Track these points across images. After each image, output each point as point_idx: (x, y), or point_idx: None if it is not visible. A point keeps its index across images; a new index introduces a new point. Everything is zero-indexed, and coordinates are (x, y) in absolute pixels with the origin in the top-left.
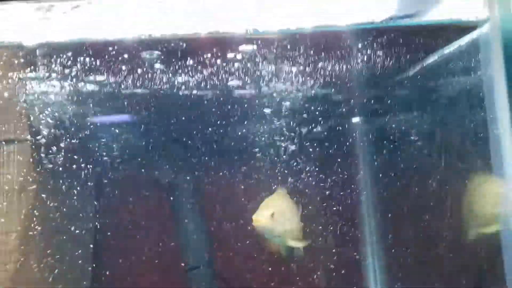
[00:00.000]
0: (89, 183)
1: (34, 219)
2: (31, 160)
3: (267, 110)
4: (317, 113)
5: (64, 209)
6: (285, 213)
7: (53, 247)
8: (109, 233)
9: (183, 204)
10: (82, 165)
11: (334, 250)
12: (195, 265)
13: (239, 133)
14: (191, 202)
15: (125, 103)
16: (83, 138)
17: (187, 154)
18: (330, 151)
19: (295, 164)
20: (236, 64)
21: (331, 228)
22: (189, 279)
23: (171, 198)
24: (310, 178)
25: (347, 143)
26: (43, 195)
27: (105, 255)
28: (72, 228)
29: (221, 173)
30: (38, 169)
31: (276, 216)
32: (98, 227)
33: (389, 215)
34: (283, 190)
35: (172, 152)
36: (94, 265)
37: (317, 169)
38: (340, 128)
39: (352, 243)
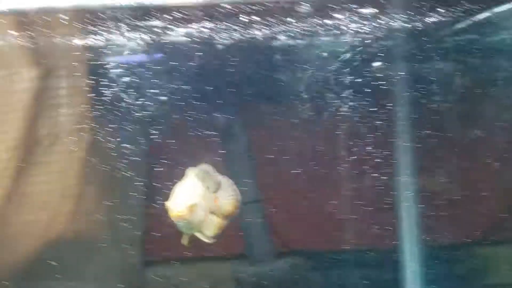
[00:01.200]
0: (144, 124)
1: (91, 160)
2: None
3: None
4: None
5: (118, 151)
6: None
7: (108, 188)
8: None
9: (235, 147)
10: (138, 103)
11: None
12: (249, 200)
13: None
14: (243, 147)
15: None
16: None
17: (241, 101)
18: None
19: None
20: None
21: None
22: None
23: (224, 142)
24: None
25: None
26: (99, 137)
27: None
28: (126, 169)
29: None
30: (93, 110)
31: (195, 207)
32: (151, 168)
33: None
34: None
35: (227, 98)
36: (147, 208)
37: None
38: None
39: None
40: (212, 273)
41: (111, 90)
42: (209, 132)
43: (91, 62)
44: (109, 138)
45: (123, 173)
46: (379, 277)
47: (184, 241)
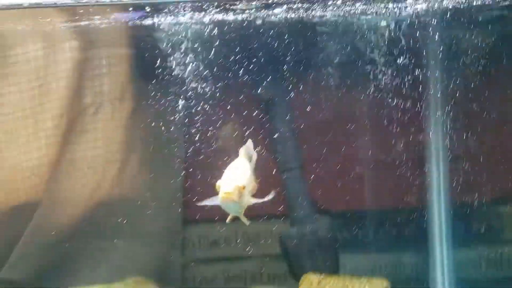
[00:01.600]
0: (186, 95)
1: (133, 126)
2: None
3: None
4: None
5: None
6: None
7: (149, 153)
8: (202, 146)
9: (278, 118)
10: (179, 75)
11: None
12: (288, 167)
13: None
14: (285, 118)
15: None
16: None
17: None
18: None
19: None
20: None
21: None
22: (285, 180)
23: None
24: None
25: None
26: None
27: (197, 165)
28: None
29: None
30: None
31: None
32: (191, 137)
33: None
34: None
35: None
36: (186, 176)
37: None
38: None
39: None
40: (251, 232)
41: (152, 58)
42: (252, 104)
43: (132, 32)
44: (150, 106)
45: (163, 138)
46: (409, 235)
47: (229, 221)
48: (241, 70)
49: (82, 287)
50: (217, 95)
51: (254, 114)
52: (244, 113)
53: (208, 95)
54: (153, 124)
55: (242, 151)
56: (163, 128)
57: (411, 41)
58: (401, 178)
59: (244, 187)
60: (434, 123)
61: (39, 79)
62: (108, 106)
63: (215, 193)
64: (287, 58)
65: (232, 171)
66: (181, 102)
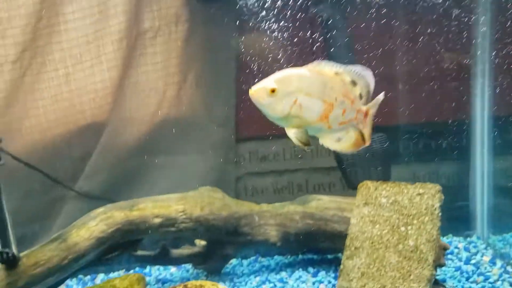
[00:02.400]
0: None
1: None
2: None
3: None
4: None
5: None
6: (301, 95)
7: (204, 73)
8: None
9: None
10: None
11: None
12: None
13: None
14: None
15: None
16: None
17: None
18: None
19: None
20: None
21: None
22: None
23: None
24: None
25: None
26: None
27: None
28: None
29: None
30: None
31: (280, 93)
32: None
33: None
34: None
35: None
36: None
37: None
38: None
39: None
40: (296, 148)
41: None
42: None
43: None
44: (205, 28)
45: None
46: (452, 146)
47: (290, 134)
48: None
49: (159, 196)
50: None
51: (314, 33)
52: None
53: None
54: (208, 46)
55: (312, 65)
56: (217, 49)
57: None
58: (447, 93)
59: (273, 90)
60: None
61: (100, 5)
62: (165, 29)
63: None
64: None
65: (281, 73)
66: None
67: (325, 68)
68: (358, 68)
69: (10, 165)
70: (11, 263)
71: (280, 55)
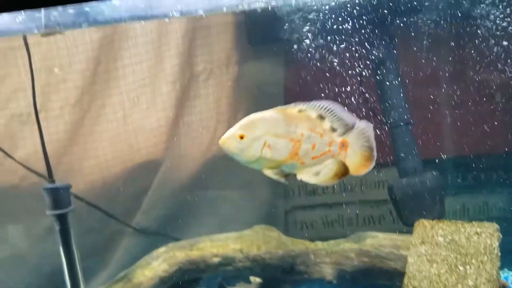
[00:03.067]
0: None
1: (239, 89)
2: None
3: None
4: None
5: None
6: (268, 136)
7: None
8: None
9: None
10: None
11: None
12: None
13: None
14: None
15: None
16: None
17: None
18: None
19: None
20: None
21: None
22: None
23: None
24: None
25: None
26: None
27: None
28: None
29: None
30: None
31: (248, 139)
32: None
33: None
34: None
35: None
36: None
37: None
38: None
39: None
40: (347, 181)
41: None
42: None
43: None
44: (253, 69)
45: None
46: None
47: (267, 173)
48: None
49: (217, 235)
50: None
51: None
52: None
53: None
54: (255, 85)
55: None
56: (263, 87)
57: None
58: (496, 124)
59: (242, 136)
60: None
61: (155, 49)
62: (217, 71)
63: None
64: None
65: (246, 118)
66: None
67: (289, 108)
68: (324, 103)
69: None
70: None
71: (328, 93)
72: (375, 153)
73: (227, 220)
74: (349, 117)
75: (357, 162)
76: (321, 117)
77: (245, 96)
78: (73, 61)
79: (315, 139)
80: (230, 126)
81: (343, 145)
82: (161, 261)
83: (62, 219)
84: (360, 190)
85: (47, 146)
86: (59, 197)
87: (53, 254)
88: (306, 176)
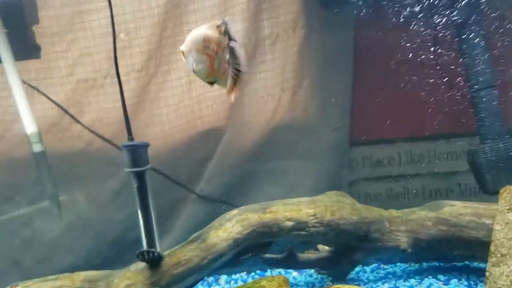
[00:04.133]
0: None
1: (305, 55)
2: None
3: None
4: None
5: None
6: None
7: (319, 81)
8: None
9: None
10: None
11: None
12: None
13: None
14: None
15: None
16: None
17: None
18: None
19: None
20: None
21: None
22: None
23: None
24: None
25: None
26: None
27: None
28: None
29: None
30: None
31: (186, 54)
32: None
33: None
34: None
35: None
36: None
37: None
38: None
39: None
40: (414, 152)
41: None
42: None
43: None
44: (321, 34)
45: (332, 64)
46: None
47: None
48: None
49: (290, 199)
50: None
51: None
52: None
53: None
54: (324, 50)
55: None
56: (331, 53)
57: None
58: None
59: (182, 52)
60: None
61: (221, 14)
62: (284, 35)
63: (381, 113)
64: None
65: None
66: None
67: (214, 24)
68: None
69: None
70: (156, 262)
71: (400, 57)
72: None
73: (289, 190)
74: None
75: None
76: (226, 33)
77: (311, 62)
78: (138, 27)
79: (220, 56)
80: (295, 93)
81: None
82: (235, 223)
83: (140, 177)
84: (428, 162)
85: (114, 112)
86: (138, 155)
87: (117, 220)
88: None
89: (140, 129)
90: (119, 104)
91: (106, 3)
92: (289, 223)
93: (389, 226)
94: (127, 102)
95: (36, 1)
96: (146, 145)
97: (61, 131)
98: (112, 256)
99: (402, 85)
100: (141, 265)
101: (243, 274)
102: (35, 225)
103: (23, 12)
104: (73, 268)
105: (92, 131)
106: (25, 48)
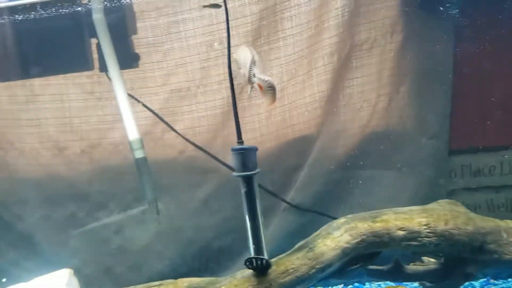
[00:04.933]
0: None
1: (402, 59)
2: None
3: None
4: None
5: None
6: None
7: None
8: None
9: None
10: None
11: None
12: None
13: None
14: None
15: None
16: None
17: None
18: None
19: None
20: None
21: None
22: None
23: None
24: None
25: None
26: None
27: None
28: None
29: None
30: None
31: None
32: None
33: None
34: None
35: None
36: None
37: None
38: None
39: None
40: None
41: None
42: None
43: None
44: (419, 38)
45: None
46: None
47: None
48: None
49: (400, 207)
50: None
51: None
52: None
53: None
54: (422, 55)
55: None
56: (430, 59)
57: None
58: None
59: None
60: None
61: (316, 19)
62: (381, 40)
63: (481, 121)
64: None
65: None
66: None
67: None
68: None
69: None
70: (263, 270)
71: (499, 62)
72: None
73: (385, 200)
74: None
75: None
76: None
77: (409, 67)
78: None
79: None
80: (391, 100)
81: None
82: (343, 232)
83: (248, 182)
84: None
85: (205, 120)
86: (247, 158)
87: (206, 227)
88: None
89: (232, 137)
90: (210, 113)
91: (201, 13)
92: (401, 233)
93: (507, 237)
94: (218, 111)
95: (134, 11)
96: (255, 149)
97: (154, 140)
98: (198, 265)
99: (505, 91)
100: (247, 272)
101: (340, 286)
102: (127, 233)
103: (124, 23)
104: (162, 276)
105: (187, 140)
106: (125, 58)
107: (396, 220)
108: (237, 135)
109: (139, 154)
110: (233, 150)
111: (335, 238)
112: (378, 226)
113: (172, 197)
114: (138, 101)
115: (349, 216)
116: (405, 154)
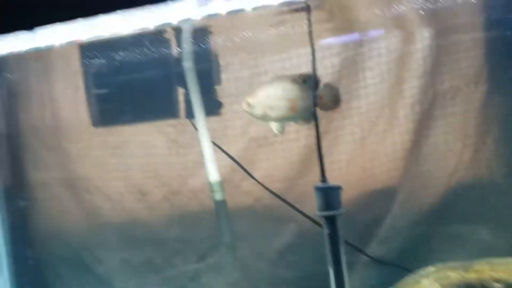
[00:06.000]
0: None
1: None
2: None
3: None
4: None
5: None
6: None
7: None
8: None
9: None
10: None
11: None
12: None
13: None
14: None
15: None
16: None
17: None
18: None
19: None
20: None
21: None
22: None
23: None
24: None
25: None
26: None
27: None
28: None
29: None
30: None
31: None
32: None
33: None
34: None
35: None
36: None
37: None
38: None
39: None
40: None
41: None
42: None
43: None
44: (504, 89)
45: None
46: None
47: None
48: None
49: (495, 258)
50: None
51: None
52: None
53: None
54: (509, 106)
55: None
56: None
57: None
58: None
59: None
60: None
61: (397, 69)
62: (465, 89)
63: None
64: None
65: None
66: None
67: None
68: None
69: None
70: None
71: None
72: None
73: (475, 257)
74: None
75: None
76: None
77: (495, 117)
78: None
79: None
80: (477, 150)
81: None
82: (433, 281)
83: (332, 223)
84: None
85: (281, 169)
86: (330, 197)
87: (281, 281)
88: None
89: (310, 185)
90: (287, 161)
91: (280, 65)
92: (498, 286)
93: None
94: (297, 158)
95: (220, 63)
96: (339, 188)
97: (232, 187)
98: None
99: None
100: None
101: None
102: (203, 281)
103: (210, 73)
104: None
105: (266, 188)
106: (209, 105)
107: (491, 271)
108: (321, 173)
109: (218, 196)
110: (316, 188)
111: (425, 287)
112: (471, 276)
113: (248, 246)
114: (220, 149)
115: (437, 264)
116: (496, 207)
